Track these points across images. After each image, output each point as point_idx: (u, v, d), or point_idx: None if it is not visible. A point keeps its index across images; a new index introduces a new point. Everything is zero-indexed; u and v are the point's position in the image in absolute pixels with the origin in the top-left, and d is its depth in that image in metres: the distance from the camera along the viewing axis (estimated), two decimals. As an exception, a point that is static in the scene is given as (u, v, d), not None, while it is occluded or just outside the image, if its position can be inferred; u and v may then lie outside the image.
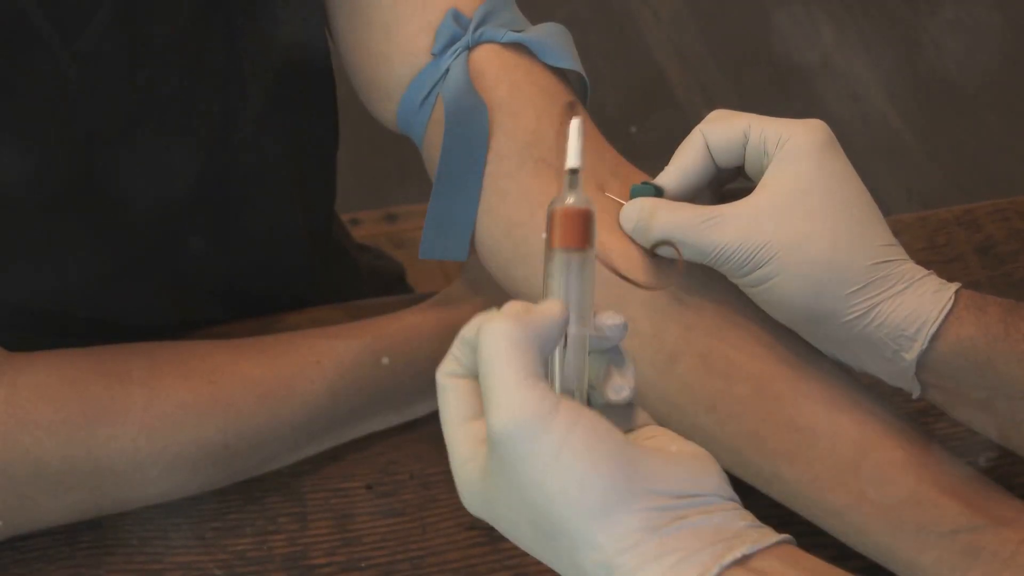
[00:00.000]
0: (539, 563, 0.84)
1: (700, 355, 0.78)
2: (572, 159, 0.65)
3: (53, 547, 0.85)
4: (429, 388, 0.90)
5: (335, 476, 0.89)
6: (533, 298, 0.76)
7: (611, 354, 0.65)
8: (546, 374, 0.62)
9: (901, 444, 0.77)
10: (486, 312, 0.63)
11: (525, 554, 0.85)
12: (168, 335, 0.91)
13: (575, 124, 0.65)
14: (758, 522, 0.61)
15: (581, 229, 0.64)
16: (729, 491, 0.62)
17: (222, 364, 0.86)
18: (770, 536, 0.60)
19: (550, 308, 0.62)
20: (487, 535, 0.86)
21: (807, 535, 0.69)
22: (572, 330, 0.63)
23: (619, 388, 0.65)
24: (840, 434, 0.77)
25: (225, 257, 0.96)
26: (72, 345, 0.85)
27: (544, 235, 0.65)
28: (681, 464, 0.61)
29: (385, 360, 0.89)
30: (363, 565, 0.85)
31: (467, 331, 0.63)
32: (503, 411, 0.59)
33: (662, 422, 0.67)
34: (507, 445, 0.59)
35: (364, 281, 1.17)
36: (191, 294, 0.96)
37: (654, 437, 0.64)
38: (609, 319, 0.65)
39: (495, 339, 0.60)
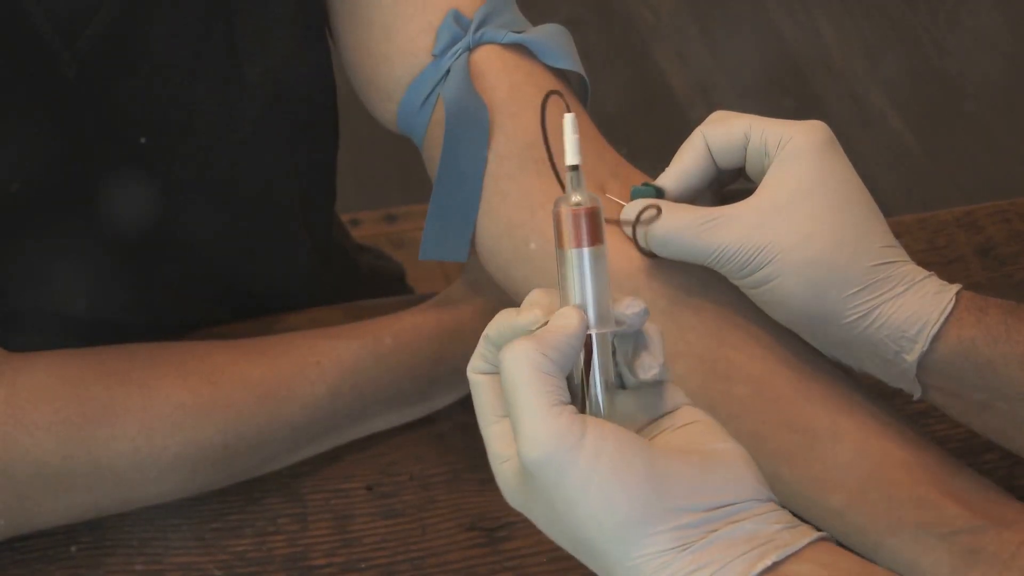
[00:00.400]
0: (539, 564, 0.85)
1: (700, 356, 0.78)
2: (571, 156, 0.64)
3: (53, 547, 0.85)
4: (429, 389, 0.90)
5: (335, 477, 0.89)
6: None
7: (636, 336, 0.65)
8: (570, 390, 0.62)
9: (901, 445, 0.76)
10: (508, 310, 0.64)
11: (525, 555, 0.85)
12: (168, 335, 0.91)
13: (569, 119, 0.64)
14: (795, 521, 0.61)
15: (590, 227, 0.64)
16: (766, 492, 0.62)
17: (222, 364, 0.86)
18: (804, 536, 0.60)
19: (568, 319, 0.62)
20: (487, 536, 0.85)
21: (807, 536, 0.69)
22: (593, 330, 0.63)
23: (648, 366, 0.64)
24: (840, 435, 0.76)
25: (225, 257, 0.95)
26: (72, 345, 0.85)
27: (555, 237, 0.64)
28: (714, 472, 0.61)
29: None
30: (363, 566, 0.85)
31: (490, 330, 0.64)
32: (531, 443, 0.60)
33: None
34: (537, 475, 0.60)
35: (364, 281, 1.17)
36: (191, 294, 0.96)
37: (689, 425, 0.64)
38: (629, 307, 0.64)
39: (518, 365, 0.61)
